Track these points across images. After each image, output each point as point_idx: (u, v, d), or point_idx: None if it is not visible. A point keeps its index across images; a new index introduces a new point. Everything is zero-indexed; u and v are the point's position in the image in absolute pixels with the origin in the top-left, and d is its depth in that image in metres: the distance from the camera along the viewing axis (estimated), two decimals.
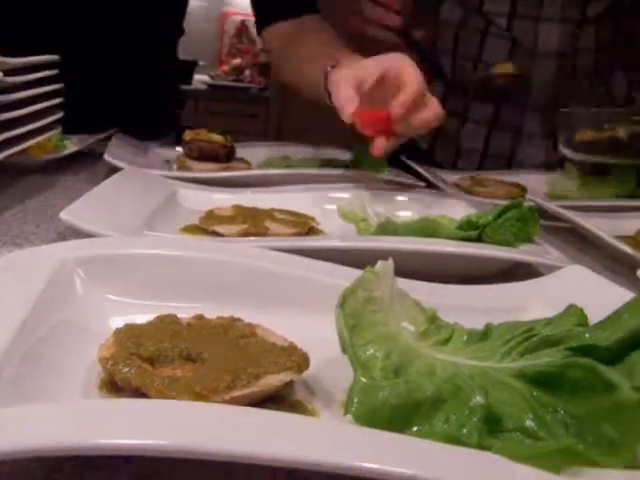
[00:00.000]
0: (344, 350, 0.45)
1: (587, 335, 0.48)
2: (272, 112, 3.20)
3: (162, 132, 1.51)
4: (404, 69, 0.95)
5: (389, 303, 0.50)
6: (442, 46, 1.60)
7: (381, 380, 0.43)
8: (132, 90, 1.55)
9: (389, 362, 0.45)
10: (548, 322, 0.52)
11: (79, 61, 1.36)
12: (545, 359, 0.46)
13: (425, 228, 0.77)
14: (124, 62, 1.53)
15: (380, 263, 0.51)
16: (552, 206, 1.05)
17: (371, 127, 0.96)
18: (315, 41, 1.28)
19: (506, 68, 1.27)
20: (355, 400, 0.41)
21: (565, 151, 1.39)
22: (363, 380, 0.42)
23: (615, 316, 0.51)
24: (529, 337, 0.50)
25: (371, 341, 0.46)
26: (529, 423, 0.41)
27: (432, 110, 0.98)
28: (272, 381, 0.44)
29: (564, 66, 1.54)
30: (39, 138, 1.05)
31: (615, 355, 0.47)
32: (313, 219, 0.87)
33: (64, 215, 0.71)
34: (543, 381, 0.45)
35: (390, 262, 0.51)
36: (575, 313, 0.53)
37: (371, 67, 0.98)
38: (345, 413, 0.41)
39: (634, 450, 0.39)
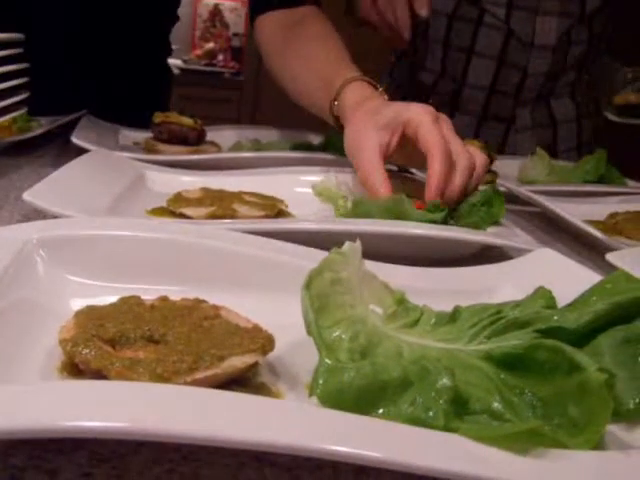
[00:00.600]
0: (309, 332, 0.45)
1: (555, 317, 0.48)
2: (246, 97, 3.18)
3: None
4: (424, 129, 0.84)
5: (356, 285, 0.49)
6: (434, 36, 1.59)
7: (347, 362, 0.42)
8: (121, 74, 1.52)
9: (355, 344, 0.45)
10: (516, 305, 0.52)
11: (60, 42, 1.32)
12: (512, 341, 0.46)
13: (395, 208, 0.77)
14: (113, 47, 1.49)
15: (347, 244, 0.50)
16: (523, 191, 1.05)
17: None
18: (315, 42, 1.16)
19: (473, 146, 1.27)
20: (320, 382, 0.41)
21: (607, 114, 1.40)
22: (328, 362, 0.42)
23: (583, 299, 0.51)
24: (497, 320, 0.50)
25: (337, 323, 0.46)
26: (496, 405, 0.41)
27: (477, 163, 0.87)
28: (236, 363, 0.43)
29: (557, 59, 1.54)
30: (2, 119, 1.03)
31: (582, 337, 0.47)
32: (282, 202, 0.86)
33: (27, 196, 0.69)
34: (510, 363, 0.45)
35: (358, 243, 0.51)
36: (543, 295, 0.53)
37: (391, 124, 0.87)
38: (310, 395, 0.41)
39: (599, 431, 0.39)
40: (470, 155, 0.85)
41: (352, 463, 0.33)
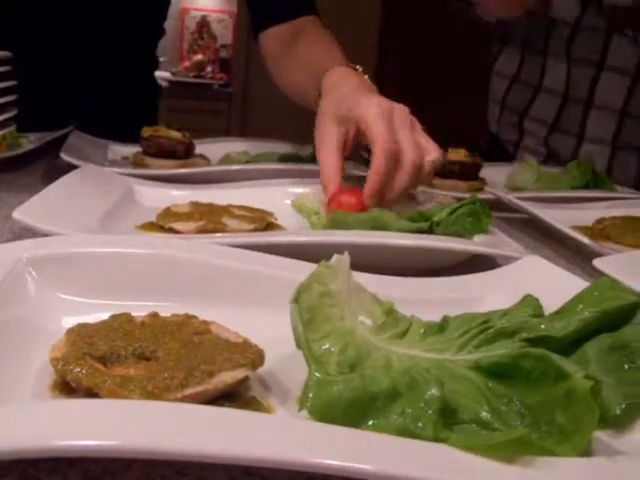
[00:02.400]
0: (298, 345, 0.45)
1: (542, 326, 0.49)
2: (234, 108, 3.18)
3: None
4: (369, 125, 0.83)
5: (345, 297, 0.50)
6: (493, 96, 1.58)
7: (336, 375, 0.43)
8: (108, 89, 1.52)
9: (345, 357, 0.45)
10: (504, 313, 0.53)
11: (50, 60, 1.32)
12: (500, 351, 0.47)
13: (376, 220, 0.77)
14: (100, 62, 1.50)
15: (335, 257, 0.51)
16: (510, 198, 1.06)
17: (345, 208, 0.84)
18: (311, 45, 1.21)
19: (459, 154, 1.27)
20: (310, 395, 0.41)
21: None
22: (317, 375, 0.42)
23: (569, 307, 0.51)
24: (485, 329, 0.50)
25: (326, 335, 0.46)
26: (484, 414, 0.42)
27: (426, 158, 0.85)
28: (226, 378, 0.43)
29: None
30: None
31: (569, 345, 0.48)
32: (271, 214, 0.86)
33: (17, 214, 0.69)
34: (498, 372, 0.45)
35: (346, 256, 0.51)
36: (531, 304, 0.53)
37: (347, 119, 0.88)
38: (300, 409, 0.41)
39: (586, 438, 0.39)
40: (418, 150, 0.84)
41: (344, 476, 0.34)
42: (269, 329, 0.49)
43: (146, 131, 1.22)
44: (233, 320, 0.52)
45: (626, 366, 0.46)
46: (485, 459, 0.36)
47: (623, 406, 0.43)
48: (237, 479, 0.39)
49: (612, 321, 0.49)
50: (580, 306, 0.51)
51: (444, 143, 1.22)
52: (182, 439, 0.33)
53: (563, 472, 0.36)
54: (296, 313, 0.46)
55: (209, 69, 3.69)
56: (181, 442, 0.33)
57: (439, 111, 3.19)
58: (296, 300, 0.46)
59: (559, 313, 0.52)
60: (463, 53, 3.24)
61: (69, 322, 0.51)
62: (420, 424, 0.40)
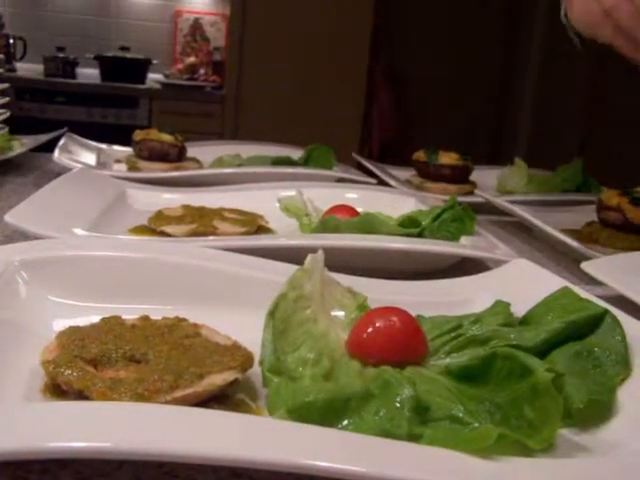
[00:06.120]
0: (260, 362, 0.47)
1: (512, 336, 0.51)
2: (228, 110, 3.18)
3: None
4: None
5: (319, 296, 0.51)
6: None
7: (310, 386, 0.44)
8: None
9: (319, 368, 0.46)
10: (476, 319, 0.54)
11: None
12: (470, 357, 0.48)
13: (365, 224, 0.78)
14: None
15: (310, 257, 0.51)
16: (500, 201, 1.07)
17: None
18: None
19: (450, 158, 1.27)
20: (283, 399, 0.43)
21: None
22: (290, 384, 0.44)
23: (537, 316, 0.53)
24: (456, 336, 0.52)
25: (301, 345, 0.47)
26: (456, 411, 0.43)
27: None
28: (216, 380, 0.44)
29: None
30: None
31: (538, 354, 0.49)
32: (262, 217, 0.87)
33: (9, 217, 0.70)
34: (468, 376, 0.47)
35: (320, 254, 0.52)
36: (502, 311, 0.55)
37: None
38: (272, 414, 0.42)
39: (554, 429, 0.40)
40: None
41: (332, 478, 0.34)
42: (259, 332, 0.49)
43: (138, 134, 1.22)
44: (223, 323, 0.52)
45: (591, 370, 0.48)
46: (460, 455, 0.36)
47: (586, 400, 0.44)
48: None
49: (579, 330, 0.51)
50: (549, 317, 0.53)
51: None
52: (172, 441, 0.34)
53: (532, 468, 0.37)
54: (269, 328, 0.47)
55: (202, 72, 3.68)
56: (171, 444, 0.34)
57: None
58: (272, 313, 0.48)
59: (528, 322, 0.54)
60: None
61: (60, 325, 0.52)
62: (395, 422, 0.41)
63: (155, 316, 0.53)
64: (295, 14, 2.93)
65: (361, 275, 0.63)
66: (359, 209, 0.87)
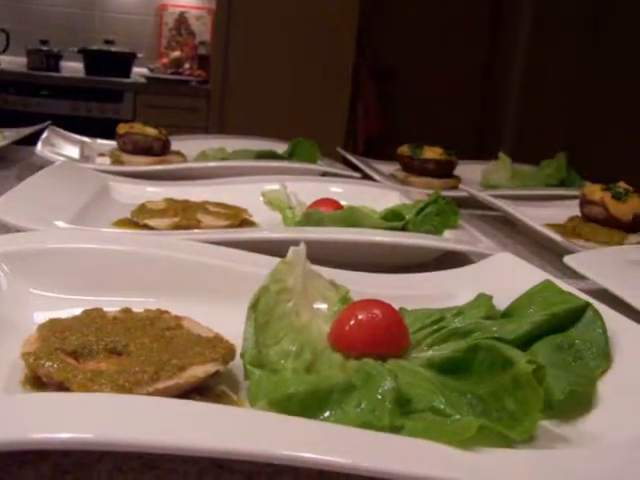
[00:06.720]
0: (241, 355, 0.47)
1: (494, 328, 0.51)
2: (213, 105, 3.17)
3: None
4: None
5: (301, 289, 0.51)
6: None
7: (292, 378, 0.44)
8: None
9: (301, 361, 0.46)
10: (459, 312, 0.54)
11: None
12: (452, 349, 0.48)
13: (349, 218, 0.78)
14: None
15: (292, 250, 0.51)
16: (484, 195, 1.07)
17: None
18: None
19: (434, 152, 1.28)
20: (264, 391, 0.43)
21: None
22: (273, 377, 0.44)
23: (519, 308, 0.54)
24: (439, 329, 0.52)
25: (282, 338, 0.47)
26: (438, 403, 0.43)
27: None
28: (197, 372, 0.43)
29: None
30: None
31: (520, 346, 0.49)
32: (246, 211, 0.87)
33: None
34: (450, 368, 0.47)
35: (302, 246, 0.52)
36: (484, 304, 0.55)
37: None
38: (254, 404, 0.42)
39: (535, 420, 0.41)
40: None
41: (313, 468, 0.34)
42: (241, 324, 0.49)
43: (122, 128, 1.21)
44: (205, 315, 0.52)
45: (572, 362, 0.48)
46: (442, 446, 0.37)
47: (567, 391, 0.45)
48: (207, 471, 0.39)
49: (561, 323, 0.51)
50: (531, 309, 0.53)
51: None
52: (153, 432, 0.34)
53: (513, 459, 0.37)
54: (251, 321, 0.47)
55: (187, 66, 3.67)
56: (152, 435, 0.33)
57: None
58: (254, 306, 0.47)
59: (510, 315, 0.54)
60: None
61: (41, 317, 0.52)
62: (376, 413, 0.41)
63: (137, 309, 0.52)
64: (281, 9, 2.92)
65: (344, 268, 0.63)
66: (343, 203, 0.87)
